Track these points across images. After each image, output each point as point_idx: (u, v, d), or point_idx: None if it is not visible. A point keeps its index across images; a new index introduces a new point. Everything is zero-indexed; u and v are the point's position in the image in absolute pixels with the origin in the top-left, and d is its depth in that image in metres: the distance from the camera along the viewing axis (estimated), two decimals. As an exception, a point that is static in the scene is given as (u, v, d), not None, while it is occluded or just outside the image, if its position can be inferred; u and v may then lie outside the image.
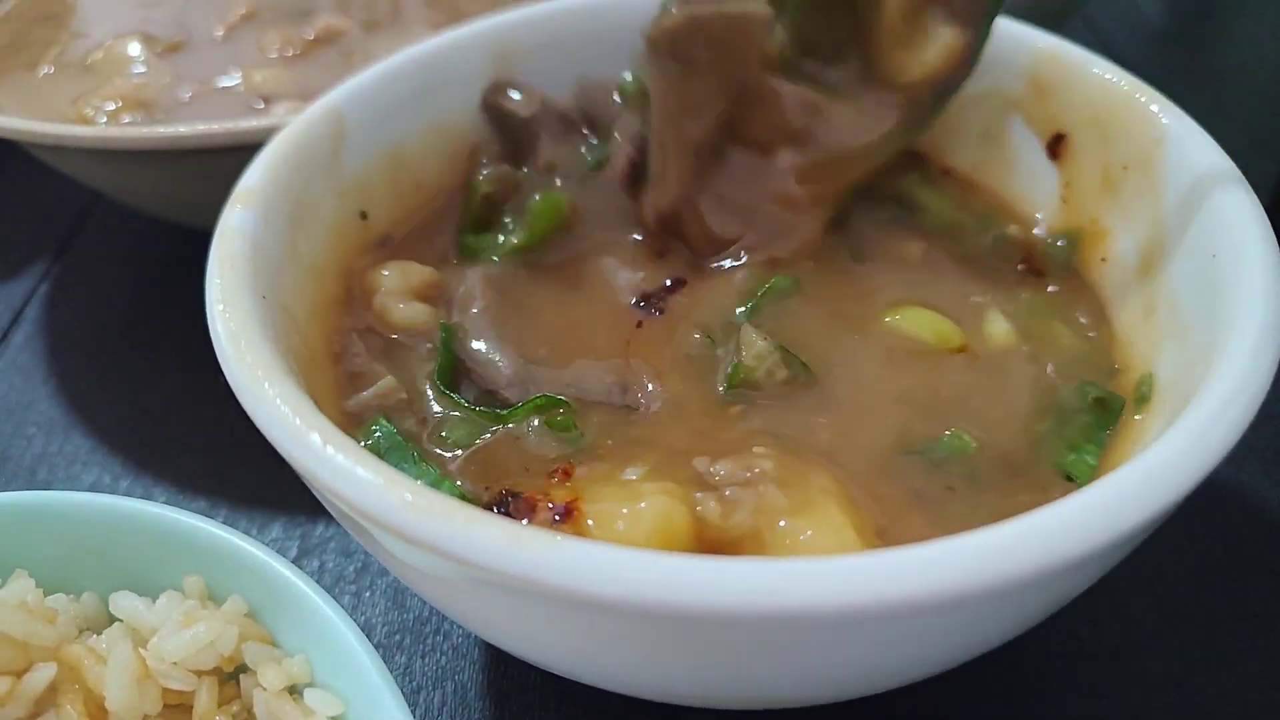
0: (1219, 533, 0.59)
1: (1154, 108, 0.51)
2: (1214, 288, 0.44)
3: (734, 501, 0.42)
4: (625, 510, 0.40)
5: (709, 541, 0.41)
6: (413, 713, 0.43)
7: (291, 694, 0.45)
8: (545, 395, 0.48)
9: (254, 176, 0.50)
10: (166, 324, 0.78)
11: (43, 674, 0.45)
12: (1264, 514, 0.60)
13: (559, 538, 0.33)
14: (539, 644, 0.41)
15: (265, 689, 0.45)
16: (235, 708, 0.46)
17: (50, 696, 0.45)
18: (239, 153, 0.54)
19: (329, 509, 0.42)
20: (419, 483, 0.36)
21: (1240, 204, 0.45)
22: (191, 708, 0.45)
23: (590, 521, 0.41)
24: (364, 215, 0.57)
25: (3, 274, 0.85)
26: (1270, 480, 0.61)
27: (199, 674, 0.46)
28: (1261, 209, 0.45)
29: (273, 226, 0.49)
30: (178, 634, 0.45)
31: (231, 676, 0.47)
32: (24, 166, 0.87)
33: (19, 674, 0.45)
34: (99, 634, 0.47)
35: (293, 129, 0.53)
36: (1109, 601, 0.55)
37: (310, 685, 0.45)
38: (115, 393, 0.74)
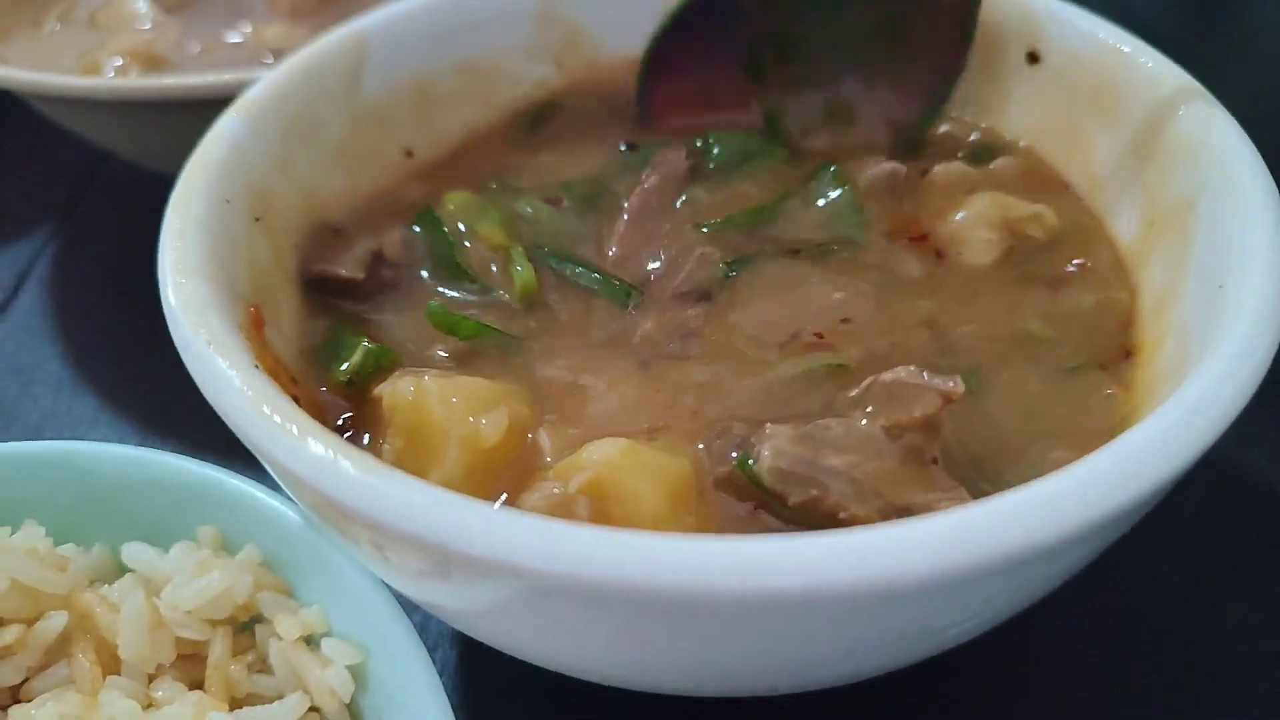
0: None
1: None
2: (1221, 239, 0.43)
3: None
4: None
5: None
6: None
7: (308, 644, 0.44)
8: None
9: (257, 88, 0.51)
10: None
11: (54, 622, 0.44)
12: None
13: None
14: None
15: (281, 638, 0.44)
16: (250, 658, 0.45)
17: (62, 646, 0.44)
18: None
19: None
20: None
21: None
22: (205, 658, 0.44)
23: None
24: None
25: (9, 235, 0.84)
26: None
27: (213, 623, 0.45)
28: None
29: (261, 136, 0.50)
30: (191, 583, 0.44)
31: (246, 627, 0.46)
32: (29, 127, 0.85)
33: (30, 622, 0.44)
34: (110, 585, 0.46)
35: (311, 48, 0.54)
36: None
37: (327, 635, 0.44)
38: (123, 353, 0.73)
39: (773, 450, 0.40)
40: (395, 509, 0.32)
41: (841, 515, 0.38)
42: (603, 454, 0.40)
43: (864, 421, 0.41)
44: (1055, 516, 0.31)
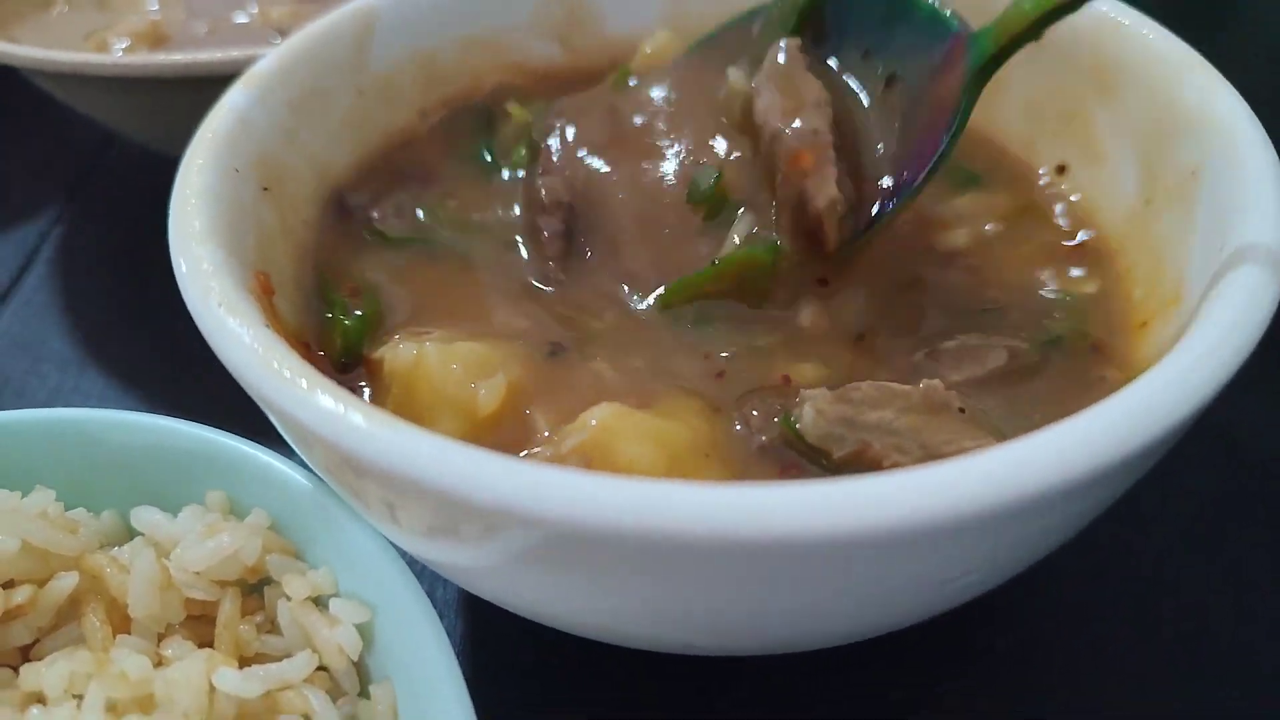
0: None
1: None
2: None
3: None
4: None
5: None
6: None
7: (316, 605, 0.45)
8: None
9: (264, 62, 0.52)
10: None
11: (65, 582, 0.44)
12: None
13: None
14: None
15: (290, 598, 0.44)
16: (259, 619, 0.45)
17: (73, 607, 0.45)
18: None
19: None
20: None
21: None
22: (214, 619, 0.45)
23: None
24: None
25: (16, 215, 0.84)
26: None
27: (222, 584, 0.45)
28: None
29: (268, 109, 0.51)
30: (200, 544, 0.45)
31: (255, 589, 0.46)
32: (37, 108, 0.86)
33: (41, 583, 0.44)
34: (120, 548, 0.47)
35: (318, 23, 0.54)
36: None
37: (335, 596, 0.45)
38: (129, 330, 0.74)
39: (813, 410, 0.42)
40: (406, 459, 0.33)
41: (886, 464, 0.40)
42: (598, 418, 0.41)
43: (928, 381, 0.42)
44: (1074, 457, 0.31)
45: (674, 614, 0.37)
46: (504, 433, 0.43)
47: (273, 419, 0.39)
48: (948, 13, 0.48)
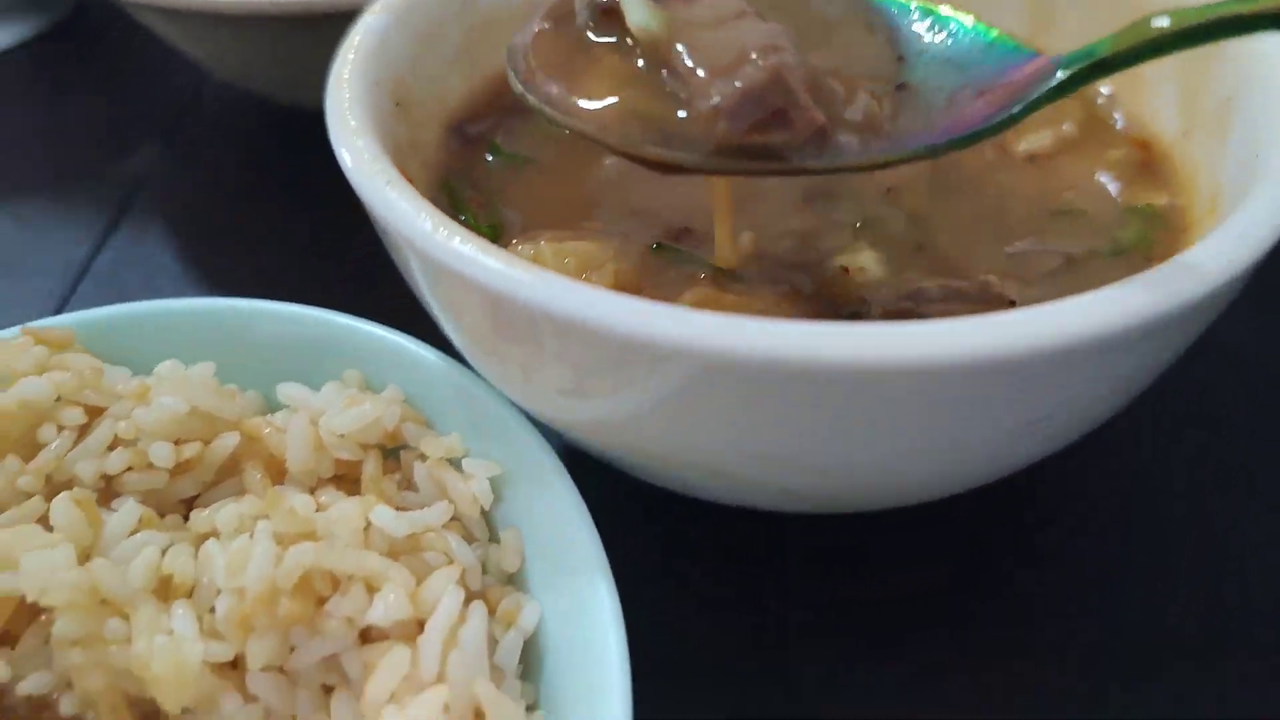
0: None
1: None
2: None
3: None
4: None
5: None
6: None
7: (450, 465, 0.50)
8: None
9: None
10: (284, 190, 0.82)
11: (228, 441, 0.50)
12: None
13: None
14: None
15: (426, 457, 0.50)
16: (397, 477, 0.51)
17: (232, 465, 0.51)
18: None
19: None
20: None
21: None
22: (357, 479, 0.50)
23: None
24: None
25: (117, 153, 0.90)
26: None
27: (364, 447, 0.51)
28: None
29: (401, 33, 0.56)
30: (344, 412, 0.50)
31: (391, 454, 0.52)
32: (136, 49, 0.92)
33: (206, 442, 0.50)
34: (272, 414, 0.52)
35: None
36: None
37: (466, 457, 0.50)
38: (235, 259, 0.79)
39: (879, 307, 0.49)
40: (575, 303, 0.38)
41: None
42: (689, 302, 0.47)
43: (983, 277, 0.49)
44: (1129, 308, 0.37)
45: (787, 451, 0.43)
46: None
47: (436, 285, 0.45)
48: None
